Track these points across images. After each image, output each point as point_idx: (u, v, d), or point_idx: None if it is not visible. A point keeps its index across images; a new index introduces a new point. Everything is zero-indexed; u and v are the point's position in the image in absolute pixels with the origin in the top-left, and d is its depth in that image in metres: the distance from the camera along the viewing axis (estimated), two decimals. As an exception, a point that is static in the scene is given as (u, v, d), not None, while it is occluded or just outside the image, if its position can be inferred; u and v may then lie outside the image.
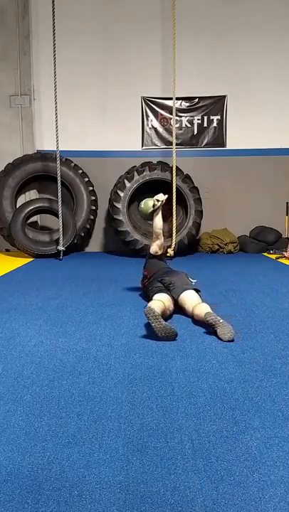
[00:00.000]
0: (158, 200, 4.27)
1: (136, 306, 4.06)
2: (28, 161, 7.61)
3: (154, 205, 4.29)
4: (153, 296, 3.72)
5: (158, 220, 4.28)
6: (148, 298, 3.90)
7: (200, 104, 8.06)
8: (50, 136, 7.21)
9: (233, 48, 7.93)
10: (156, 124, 8.12)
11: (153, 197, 4.35)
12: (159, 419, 2.10)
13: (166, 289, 3.83)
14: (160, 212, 4.30)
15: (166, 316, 3.55)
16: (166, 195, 4.37)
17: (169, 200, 6.88)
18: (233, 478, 1.68)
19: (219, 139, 8.16)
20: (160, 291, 3.79)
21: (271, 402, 2.27)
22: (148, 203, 4.35)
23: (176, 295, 3.77)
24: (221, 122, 8.11)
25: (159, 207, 4.28)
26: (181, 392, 2.38)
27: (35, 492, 1.61)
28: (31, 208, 7.36)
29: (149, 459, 1.80)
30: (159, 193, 4.37)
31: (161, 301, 3.53)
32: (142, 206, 4.42)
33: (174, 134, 7.41)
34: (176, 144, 7.47)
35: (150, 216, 4.40)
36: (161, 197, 4.29)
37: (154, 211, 4.30)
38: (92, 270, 6.20)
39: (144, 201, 4.44)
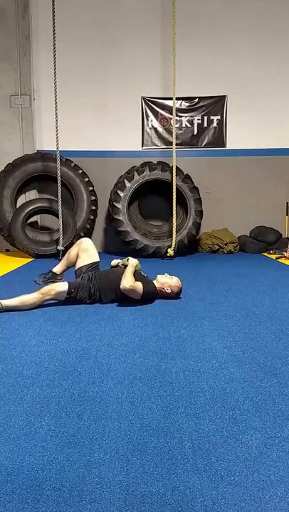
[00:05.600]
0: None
1: (136, 306, 4.07)
2: (28, 161, 7.61)
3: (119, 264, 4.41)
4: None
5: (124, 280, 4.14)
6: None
7: (200, 104, 8.06)
8: (50, 136, 7.20)
9: (233, 48, 7.94)
10: (156, 124, 8.12)
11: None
12: (159, 419, 2.10)
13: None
14: (127, 274, 4.13)
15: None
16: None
17: (169, 200, 6.92)
18: (233, 478, 1.68)
19: (219, 139, 8.16)
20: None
21: (271, 402, 2.27)
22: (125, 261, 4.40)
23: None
24: (221, 122, 8.11)
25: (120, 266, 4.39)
26: (181, 392, 2.38)
27: (35, 492, 1.61)
28: (31, 208, 7.36)
29: (149, 459, 1.80)
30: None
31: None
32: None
33: (174, 134, 7.40)
34: (176, 144, 7.46)
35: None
36: (113, 262, 4.49)
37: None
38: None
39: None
